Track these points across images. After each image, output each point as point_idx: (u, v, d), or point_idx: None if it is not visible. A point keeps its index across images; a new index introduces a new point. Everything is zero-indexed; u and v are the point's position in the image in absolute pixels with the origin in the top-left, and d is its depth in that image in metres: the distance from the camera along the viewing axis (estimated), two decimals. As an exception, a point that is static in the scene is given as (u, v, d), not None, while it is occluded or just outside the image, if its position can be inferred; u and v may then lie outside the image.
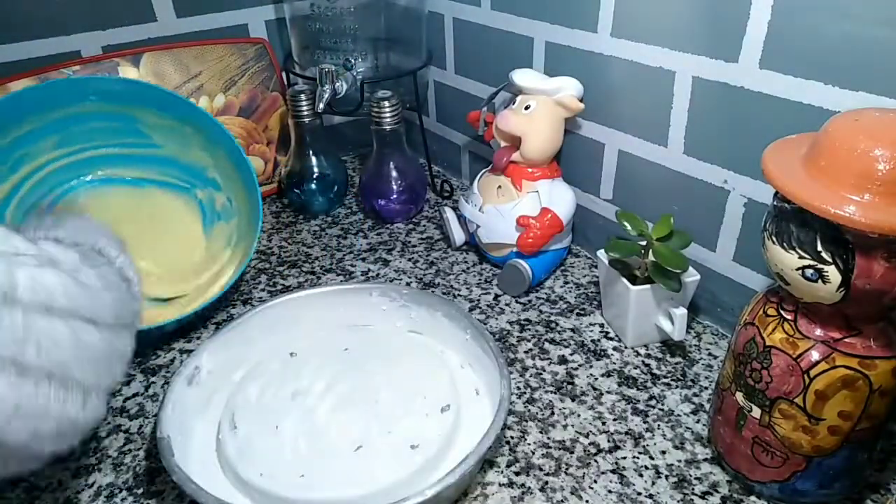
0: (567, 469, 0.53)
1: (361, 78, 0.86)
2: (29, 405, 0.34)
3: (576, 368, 0.64)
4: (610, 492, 0.51)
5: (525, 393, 0.61)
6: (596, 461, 0.54)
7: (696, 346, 0.67)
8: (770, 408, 0.46)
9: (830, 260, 0.39)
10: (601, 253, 0.67)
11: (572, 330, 0.69)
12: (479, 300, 0.74)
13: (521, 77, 0.74)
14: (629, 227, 0.64)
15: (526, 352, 0.66)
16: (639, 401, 0.60)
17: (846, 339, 0.43)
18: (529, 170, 0.74)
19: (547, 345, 0.67)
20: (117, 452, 0.57)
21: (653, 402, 0.60)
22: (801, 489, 0.48)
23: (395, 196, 0.89)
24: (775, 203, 0.42)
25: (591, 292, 0.75)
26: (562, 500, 0.51)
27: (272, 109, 0.95)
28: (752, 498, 0.51)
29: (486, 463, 0.54)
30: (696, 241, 0.66)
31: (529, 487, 0.52)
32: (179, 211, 0.78)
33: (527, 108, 0.73)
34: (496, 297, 0.75)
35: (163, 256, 0.75)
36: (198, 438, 0.55)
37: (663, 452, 0.55)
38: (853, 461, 0.46)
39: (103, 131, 0.72)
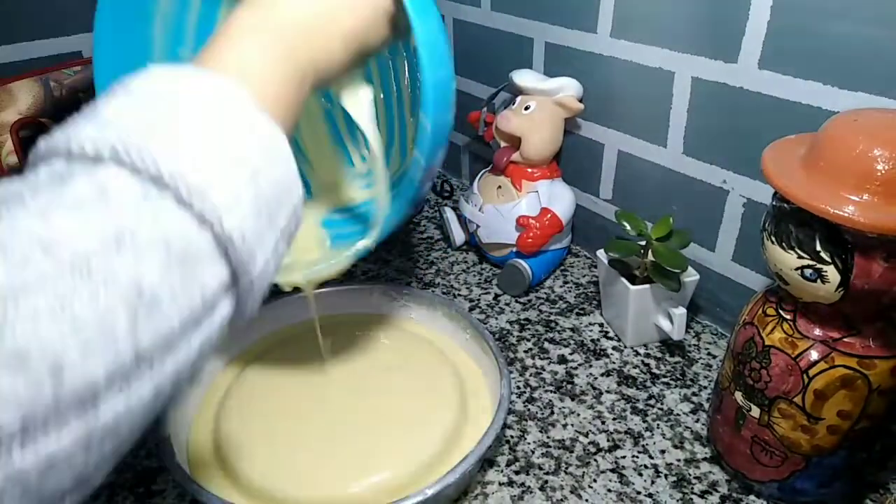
0: (567, 468, 0.53)
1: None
2: None
3: (575, 368, 0.64)
4: (609, 491, 0.51)
5: (525, 392, 0.61)
6: (595, 460, 0.54)
7: (695, 345, 0.67)
8: (769, 407, 0.46)
9: (829, 260, 0.39)
10: (601, 253, 0.67)
11: (572, 329, 0.69)
12: (479, 300, 0.74)
13: (520, 77, 0.74)
14: (628, 227, 0.64)
15: (526, 351, 0.66)
16: (638, 400, 0.60)
17: (845, 339, 0.43)
18: (529, 170, 0.75)
19: (547, 344, 0.67)
20: (118, 452, 0.57)
21: (652, 402, 0.60)
22: (800, 488, 0.48)
23: (395, 196, 0.89)
24: (774, 203, 0.43)
25: (591, 292, 0.75)
26: (561, 499, 0.51)
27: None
28: (752, 497, 0.51)
29: (486, 462, 0.54)
30: (696, 241, 0.66)
31: (529, 486, 0.52)
32: None
33: (527, 108, 0.73)
34: (496, 296, 0.75)
35: None
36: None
37: (663, 452, 0.55)
38: (852, 461, 0.46)
39: None
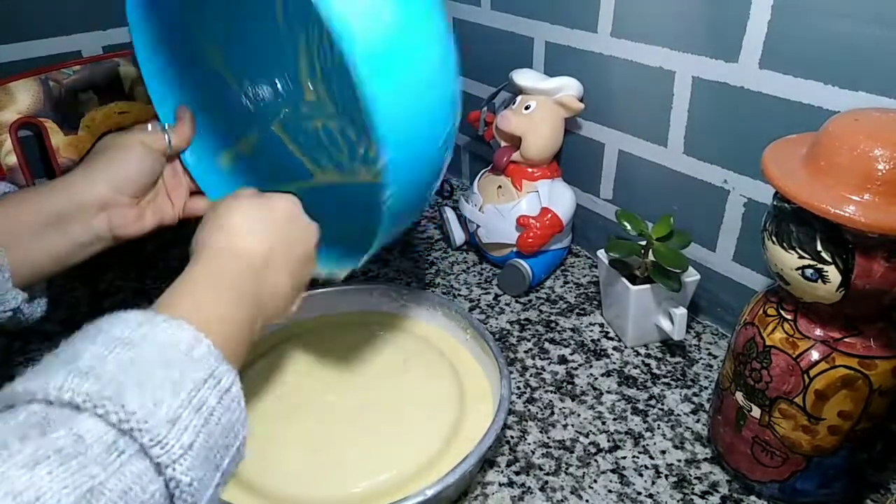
0: (567, 469, 0.53)
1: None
2: None
3: (576, 368, 0.64)
4: (610, 491, 0.51)
5: (525, 392, 0.61)
6: (596, 461, 0.54)
7: (695, 345, 0.67)
8: (770, 407, 0.46)
9: (830, 260, 0.39)
10: (601, 253, 0.67)
11: (572, 330, 0.69)
12: (479, 300, 0.74)
13: (521, 77, 0.74)
14: (629, 227, 0.64)
15: (526, 351, 0.66)
16: (639, 400, 0.60)
17: (846, 339, 0.43)
18: (529, 170, 0.74)
19: (547, 344, 0.67)
20: (117, 452, 0.57)
21: (653, 402, 0.60)
22: (801, 489, 0.48)
23: (395, 196, 0.89)
24: (775, 203, 0.42)
25: (591, 292, 0.75)
26: (562, 500, 0.51)
27: (272, 109, 0.95)
28: (752, 497, 0.51)
29: (487, 462, 0.54)
30: (696, 241, 0.66)
31: (529, 487, 0.52)
32: None
33: (527, 108, 0.73)
34: (496, 296, 0.75)
35: None
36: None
37: (663, 452, 0.55)
38: (853, 461, 0.46)
39: None
